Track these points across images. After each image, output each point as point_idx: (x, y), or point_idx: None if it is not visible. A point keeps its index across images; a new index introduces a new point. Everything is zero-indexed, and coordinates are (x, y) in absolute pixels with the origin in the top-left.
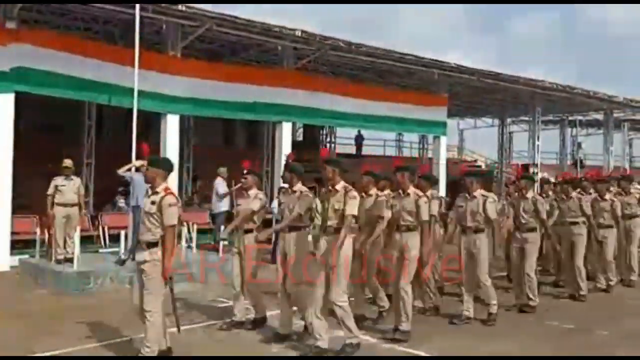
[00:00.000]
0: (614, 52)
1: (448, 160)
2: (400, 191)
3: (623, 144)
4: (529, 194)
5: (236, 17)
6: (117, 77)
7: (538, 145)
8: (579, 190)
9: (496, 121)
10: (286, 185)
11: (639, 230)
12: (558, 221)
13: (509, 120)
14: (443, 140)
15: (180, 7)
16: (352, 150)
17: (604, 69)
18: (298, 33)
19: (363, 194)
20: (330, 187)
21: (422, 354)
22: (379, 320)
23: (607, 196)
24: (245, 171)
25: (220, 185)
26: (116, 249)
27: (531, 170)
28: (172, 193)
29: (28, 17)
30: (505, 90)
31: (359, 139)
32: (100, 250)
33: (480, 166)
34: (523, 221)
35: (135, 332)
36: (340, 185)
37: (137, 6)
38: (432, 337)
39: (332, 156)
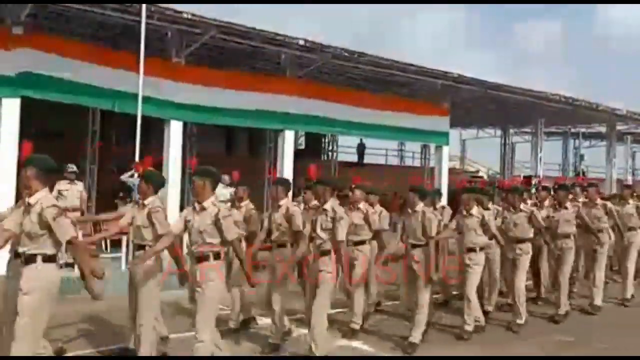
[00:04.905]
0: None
1: (450, 170)
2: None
3: (626, 156)
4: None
5: (240, 25)
6: (121, 83)
7: (540, 156)
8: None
9: (498, 132)
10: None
11: (526, 259)
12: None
13: (511, 131)
14: (445, 150)
15: (184, 14)
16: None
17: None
18: (301, 42)
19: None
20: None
21: None
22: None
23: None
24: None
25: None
26: (118, 254)
27: (533, 181)
28: None
29: (34, 22)
30: (507, 101)
31: (361, 148)
32: (102, 255)
33: (482, 177)
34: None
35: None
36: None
37: (143, 13)
38: (430, 347)
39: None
